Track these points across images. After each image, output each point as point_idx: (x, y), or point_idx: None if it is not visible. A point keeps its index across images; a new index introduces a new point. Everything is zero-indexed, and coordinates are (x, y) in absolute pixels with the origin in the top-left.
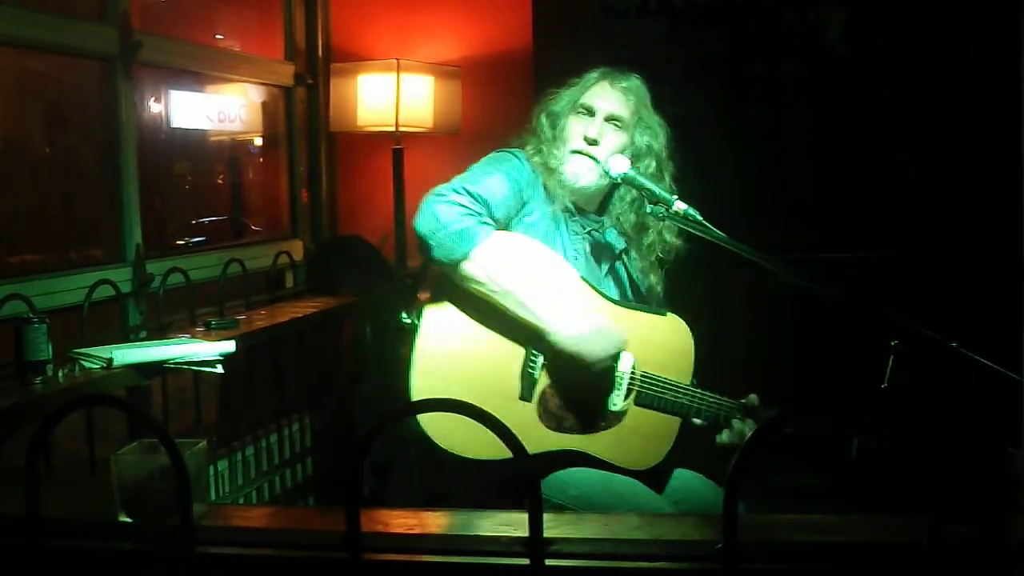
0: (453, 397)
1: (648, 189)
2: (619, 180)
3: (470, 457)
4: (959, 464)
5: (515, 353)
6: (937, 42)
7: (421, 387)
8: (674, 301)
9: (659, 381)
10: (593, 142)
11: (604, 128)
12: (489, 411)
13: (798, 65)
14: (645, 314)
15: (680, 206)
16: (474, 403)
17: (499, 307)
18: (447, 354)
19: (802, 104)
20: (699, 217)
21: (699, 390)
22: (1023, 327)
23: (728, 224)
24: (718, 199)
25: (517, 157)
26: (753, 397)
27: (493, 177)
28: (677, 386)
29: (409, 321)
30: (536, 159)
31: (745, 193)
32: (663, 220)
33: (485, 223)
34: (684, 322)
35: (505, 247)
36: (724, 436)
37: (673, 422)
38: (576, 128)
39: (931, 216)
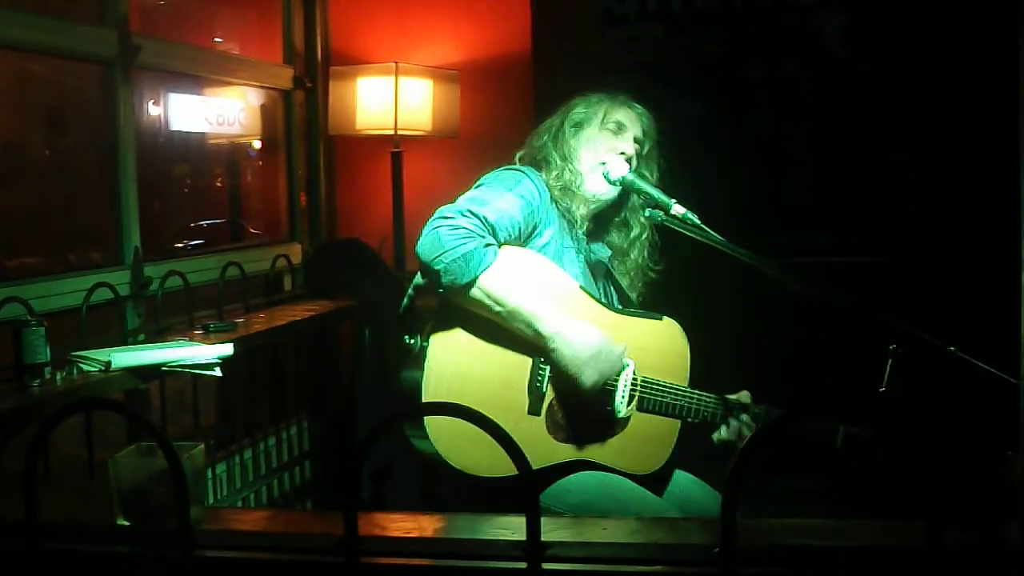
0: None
1: (646, 192)
2: (619, 184)
3: (485, 476)
4: (958, 468)
5: (523, 368)
6: (936, 46)
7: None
8: (671, 304)
9: (659, 385)
10: (630, 159)
11: (632, 146)
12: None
13: (797, 69)
14: (642, 320)
15: (678, 210)
16: None
17: (505, 327)
18: (456, 375)
19: (801, 108)
20: (697, 221)
21: (696, 391)
22: (1022, 331)
23: (726, 228)
24: (716, 203)
25: (527, 175)
26: (745, 393)
27: (503, 199)
28: (676, 389)
29: (413, 342)
30: (555, 171)
31: (744, 197)
32: (658, 222)
33: (489, 245)
34: (679, 326)
35: (509, 268)
36: (722, 433)
37: (673, 425)
38: (607, 142)
39: (930, 220)
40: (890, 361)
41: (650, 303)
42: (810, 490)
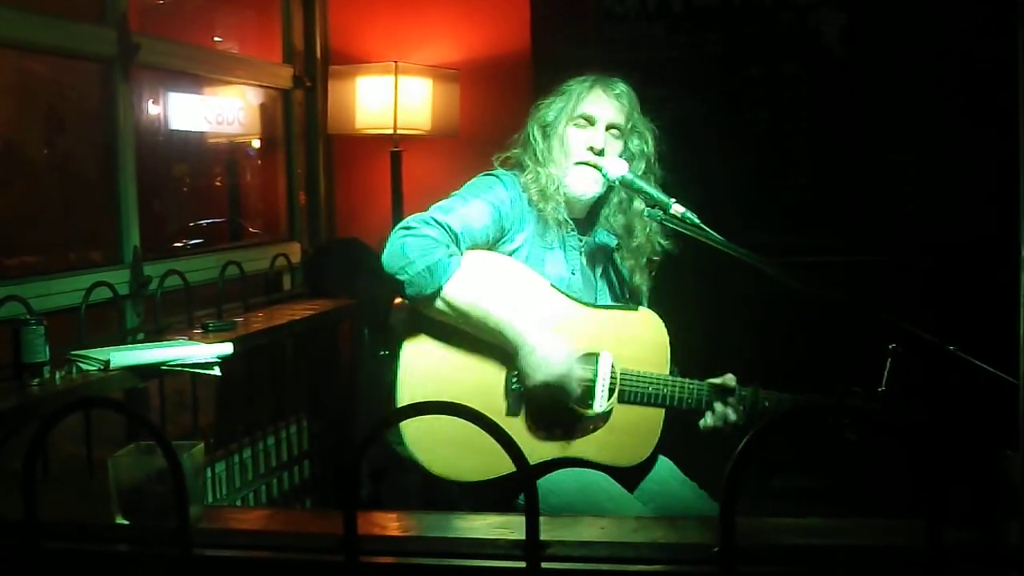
0: (442, 424)
1: (646, 192)
2: (617, 184)
3: (464, 481)
4: (957, 467)
5: (498, 371)
6: (935, 45)
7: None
8: (666, 300)
9: (639, 376)
10: (600, 152)
11: (606, 137)
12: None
13: (797, 68)
14: (619, 311)
15: (678, 209)
16: (464, 427)
17: (474, 334)
18: (432, 383)
19: (800, 107)
20: (696, 220)
21: (678, 379)
22: (1022, 331)
23: (726, 227)
24: (716, 202)
25: (500, 180)
26: (729, 376)
27: (469, 206)
28: (657, 378)
29: (386, 354)
30: (530, 175)
31: (743, 196)
32: (657, 221)
33: (453, 255)
34: (657, 315)
35: (474, 276)
36: (707, 419)
37: (657, 415)
38: (577, 138)
39: (930, 220)
40: (890, 360)
41: (653, 300)
42: (810, 488)
